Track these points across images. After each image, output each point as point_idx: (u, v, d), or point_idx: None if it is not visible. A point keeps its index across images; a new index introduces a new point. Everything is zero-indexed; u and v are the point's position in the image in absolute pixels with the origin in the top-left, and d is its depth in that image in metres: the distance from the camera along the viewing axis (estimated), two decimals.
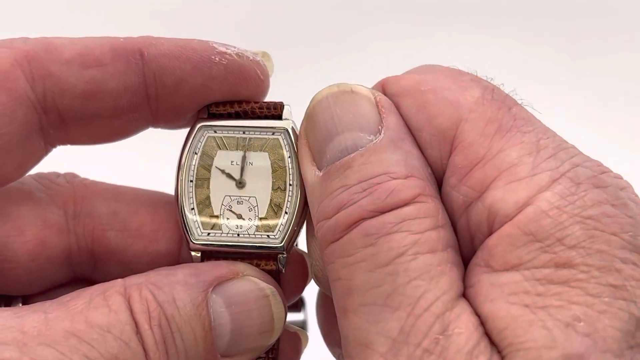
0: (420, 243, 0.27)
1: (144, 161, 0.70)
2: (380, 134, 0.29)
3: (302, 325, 0.42)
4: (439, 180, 0.30)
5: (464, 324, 0.26)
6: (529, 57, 0.89)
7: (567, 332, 0.25)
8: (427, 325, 0.26)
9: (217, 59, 0.33)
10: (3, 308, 0.29)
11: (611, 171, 0.28)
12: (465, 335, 0.26)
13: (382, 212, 0.28)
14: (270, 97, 0.35)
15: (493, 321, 0.26)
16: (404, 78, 0.31)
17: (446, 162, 0.29)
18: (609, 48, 0.91)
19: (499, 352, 0.26)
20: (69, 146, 0.35)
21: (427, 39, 0.89)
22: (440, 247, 0.28)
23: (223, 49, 0.33)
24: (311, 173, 0.30)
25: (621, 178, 0.28)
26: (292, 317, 0.38)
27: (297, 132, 0.34)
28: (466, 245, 0.29)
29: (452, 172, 0.29)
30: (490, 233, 0.28)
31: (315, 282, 0.34)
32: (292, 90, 0.39)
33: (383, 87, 0.32)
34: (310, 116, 0.31)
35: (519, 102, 0.30)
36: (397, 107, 0.31)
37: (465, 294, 0.28)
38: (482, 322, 0.27)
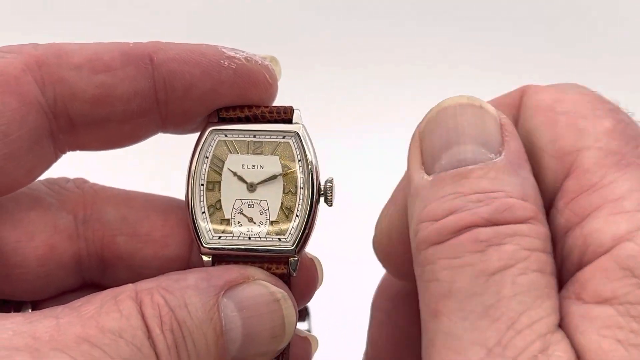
0: (530, 260, 0.27)
1: (154, 166, 0.70)
2: (500, 155, 0.29)
3: None
4: (548, 203, 0.30)
5: (563, 350, 0.26)
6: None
7: None
8: (526, 341, 0.26)
9: (226, 63, 0.33)
10: (14, 314, 0.29)
11: None
12: None
13: (496, 225, 0.27)
14: (277, 101, 0.35)
15: (583, 353, 0.26)
16: (544, 91, 0.31)
17: (559, 187, 0.29)
18: None
19: None
20: (78, 152, 0.35)
21: (443, 47, 0.89)
22: (548, 271, 0.27)
23: (232, 54, 0.33)
24: (418, 175, 0.30)
25: None
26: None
27: (308, 136, 0.34)
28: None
29: (561, 196, 0.29)
30: (580, 261, 0.27)
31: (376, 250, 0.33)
32: (299, 94, 0.39)
33: (523, 93, 0.32)
34: (431, 121, 0.30)
35: None
36: (529, 120, 0.31)
37: None
38: None
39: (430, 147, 0.30)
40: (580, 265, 0.28)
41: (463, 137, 0.29)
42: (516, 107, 0.32)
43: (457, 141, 0.29)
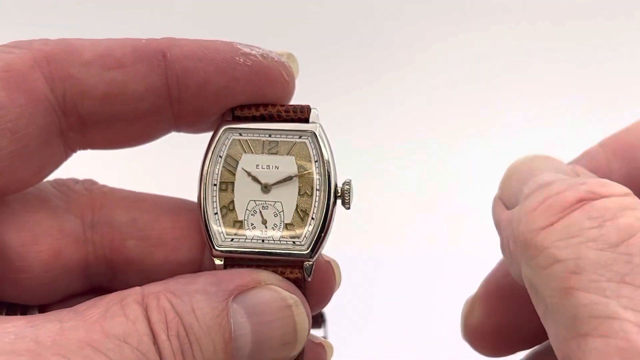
0: None
1: (166, 166, 0.70)
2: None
3: None
4: None
5: None
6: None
7: None
8: None
9: (241, 60, 0.32)
10: (18, 317, 0.28)
11: None
12: None
13: (601, 197, 0.28)
14: (295, 99, 0.34)
15: None
16: None
17: None
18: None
19: None
20: (89, 151, 0.34)
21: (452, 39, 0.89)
22: None
23: (247, 50, 0.33)
24: (505, 214, 0.32)
25: None
26: (311, 332, 0.36)
27: (325, 136, 0.33)
28: None
29: None
30: None
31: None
32: (316, 93, 0.38)
33: None
34: (506, 177, 0.34)
35: None
36: None
37: None
38: None
39: (510, 191, 0.32)
40: None
41: (538, 170, 0.32)
42: None
43: (533, 174, 0.31)
